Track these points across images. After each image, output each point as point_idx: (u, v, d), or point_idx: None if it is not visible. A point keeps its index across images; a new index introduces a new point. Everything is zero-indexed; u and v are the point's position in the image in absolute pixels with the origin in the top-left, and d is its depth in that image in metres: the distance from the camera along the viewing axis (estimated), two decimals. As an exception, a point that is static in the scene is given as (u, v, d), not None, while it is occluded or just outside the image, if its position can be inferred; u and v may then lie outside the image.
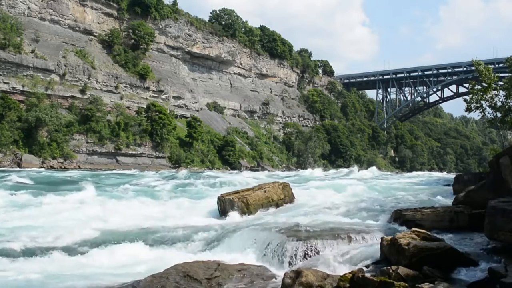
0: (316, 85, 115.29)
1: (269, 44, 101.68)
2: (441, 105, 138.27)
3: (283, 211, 14.85)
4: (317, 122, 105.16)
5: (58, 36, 64.74)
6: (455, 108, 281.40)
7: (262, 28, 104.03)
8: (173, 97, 78.42)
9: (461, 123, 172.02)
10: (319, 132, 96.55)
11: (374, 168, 64.38)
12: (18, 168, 45.79)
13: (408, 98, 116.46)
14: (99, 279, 8.31)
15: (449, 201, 14.94)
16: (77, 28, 68.64)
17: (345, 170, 63.43)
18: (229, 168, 72.33)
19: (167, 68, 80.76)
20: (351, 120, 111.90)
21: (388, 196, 19.55)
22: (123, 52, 72.14)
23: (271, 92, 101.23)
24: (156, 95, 74.38)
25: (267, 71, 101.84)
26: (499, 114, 28.20)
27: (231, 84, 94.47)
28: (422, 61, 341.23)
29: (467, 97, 29.96)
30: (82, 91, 62.53)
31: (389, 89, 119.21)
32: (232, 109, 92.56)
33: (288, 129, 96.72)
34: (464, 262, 7.39)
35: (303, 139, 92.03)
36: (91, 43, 69.86)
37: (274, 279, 8.00)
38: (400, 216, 11.44)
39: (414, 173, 74.00)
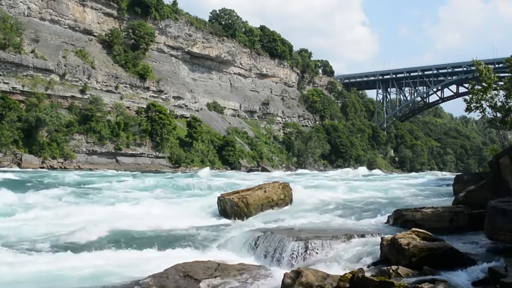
0: (316, 85, 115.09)
1: (269, 44, 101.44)
2: (441, 105, 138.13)
3: (283, 211, 14.84)
4: (317, 122, 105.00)
5: (58, 36, 64.61)
6: (455, 108, 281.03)
7: (262, 28, 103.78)
8: (173, 97, 78.30)
9: (461, 123, 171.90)
10: (319, 132, 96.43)
11: (377, 170, 65.07)
12: (18, 168, 45.67)
13: (408, 98, 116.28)
14: (99, 278, 8.31)
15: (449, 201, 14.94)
16: (77, 28, 68.51)
17: (348, 169, 64.03)
18: (229, 168, 72.26)
19: (167, 68, 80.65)
20: (351, 120, 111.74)
21: (388, 196, 19.56)
22: (123, 52, 71.98)
23: (271, 92, 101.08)
24: (156, 95, 74.27)
25: (267, 71, 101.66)
26: (499, 114, 28.10)
27: (231, 84, 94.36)
28: (422, 61, 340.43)
29: (467, 97, 29.83)
30: (82, 91, 62.42)
31: (389, 89, 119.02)
32: (232, 109, 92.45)
33: (288, 129, 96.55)
34: (464, 262, 7.38)
35: (303, 139, 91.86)
36: (91, 43, 69.75)
37: (274, 279, 7.99)
38: (400, 216, 11.44)
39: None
